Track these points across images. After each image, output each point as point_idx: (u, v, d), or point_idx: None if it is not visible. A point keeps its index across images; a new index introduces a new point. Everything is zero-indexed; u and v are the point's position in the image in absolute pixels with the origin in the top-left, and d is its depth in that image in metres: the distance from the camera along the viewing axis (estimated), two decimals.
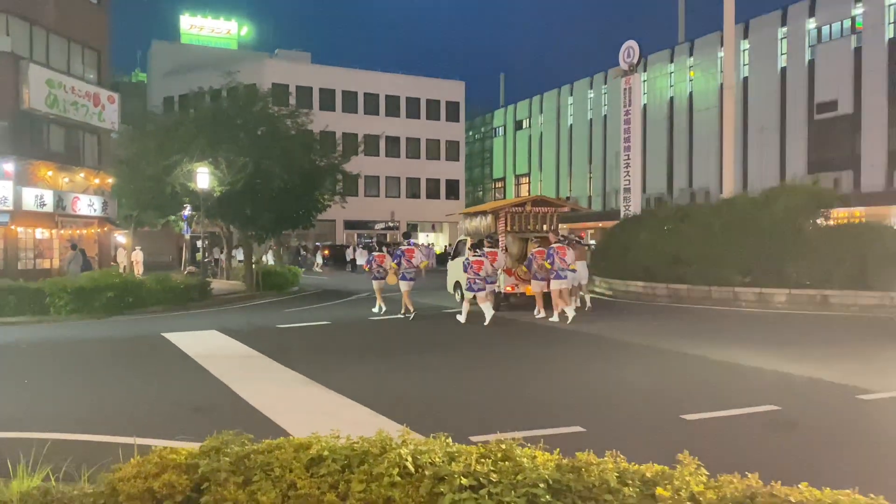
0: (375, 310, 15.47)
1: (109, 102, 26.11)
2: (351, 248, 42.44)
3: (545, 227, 15.56)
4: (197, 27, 62.08)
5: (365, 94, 55.67)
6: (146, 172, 20.15)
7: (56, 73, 23.87)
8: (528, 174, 68.37)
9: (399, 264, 14.67)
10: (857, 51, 40.42)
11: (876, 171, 38.15)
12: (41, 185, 23.41)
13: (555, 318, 13.24)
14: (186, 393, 7.50)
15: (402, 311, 14.69)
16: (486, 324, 12.69)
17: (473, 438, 5.39)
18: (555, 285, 13.19)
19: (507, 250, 15.11)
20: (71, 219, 25.41)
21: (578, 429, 5.59)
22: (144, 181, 20.60)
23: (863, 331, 11.42)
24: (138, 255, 31.48)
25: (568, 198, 62.22)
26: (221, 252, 31.95)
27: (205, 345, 10.99)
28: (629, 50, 22.82)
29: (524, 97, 68.73)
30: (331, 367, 9.04)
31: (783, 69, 44.28)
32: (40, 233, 24.52)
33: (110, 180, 25.01)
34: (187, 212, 24.54)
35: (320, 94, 51.78)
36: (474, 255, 13.34)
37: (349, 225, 52.85)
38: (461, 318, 13.39)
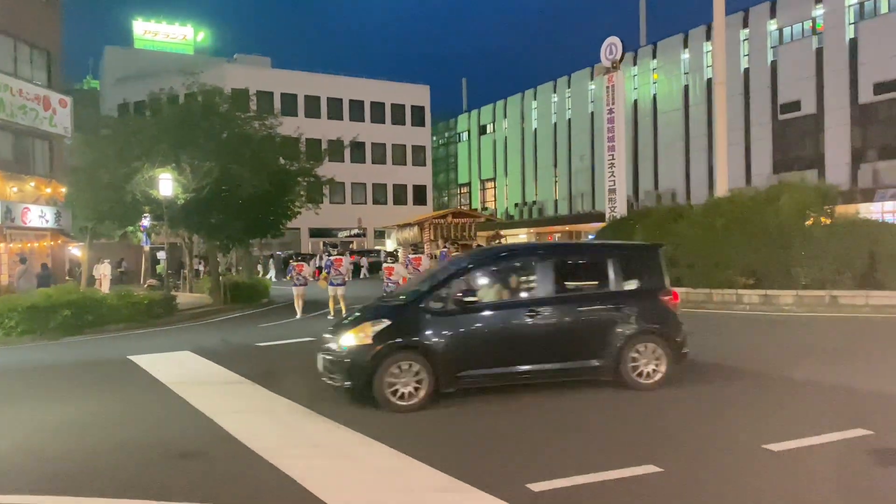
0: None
1: (61, 106, 24.46)
2: (317, 256, 41.25)
3: (466, 234, 17.52)
4: (151, 32, 60.10)
5: (328, 98, 54.44)
6: (104, 180, 18.74)
7: (1, 75, 22.20)
8: (494, 179, 67.89)
9: (329, 272, 16.57)
10: (819, 51, 40.85)
11: (840, 169, 38.46)
12: None
13: None
14: (166, 432, 6.35)
15: (331, 314, 16.26)
16: None
17: (533, 487, 4.46)
18: None
19: (432, 256, 16.03)
20: (20, 231, 23.68)
21: (653, 468, 4.71)
22: (102, 189, 19.18)
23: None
24: (105, 269, 29.70)
25: (534, 202, 61.93)
26: (200, 262, 30.58)
27: (179, 369, 9.83)
28: (612, 47, 22.20)
29: (487, 102, 68.37)
30: (328, 392, 8.00)
31: (746, 70, 44.55)
32: None
33: (64, 189, 23.40)
34: (146, 222, 23.11)
35: (282, 99, 50.32)
36: (386, 263, 16.06)
37: (314, 233, 51.46)
38: None
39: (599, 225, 54.79)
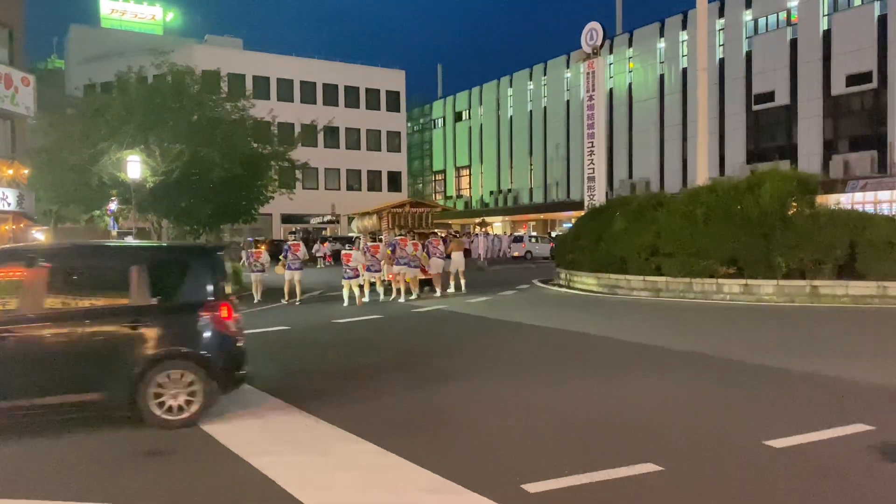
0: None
1: (24, 85, 23.54)
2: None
3: (423, 224, 17.96)
4: (119, 11, 58.54)
5: (301, 82, 53.54)
6: (69, 162, 18.05)
7: None
8: (469, 166, 67.58)
9: (286, 257, 17.06)
10: (793, 42, 41.12)
11: (812, 160, 38.82)
12: None
13: (438, 292, 17.07)
14: (133, 430, 5.94)
15: (297, 299, 16.75)
16: (345, 304, 15.61)
17: (529, 488, 4.21)
18: (433, 268, 16.93)
19: (388, 244, 17.10)
20: None
21: (653, 467, 4.49)
22: (66, 172, 18.48)
23: (880, 324, 10.86)
24: None
25: (510, 190, 61.80)
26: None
27: None
28: (592, 32, 21.91)
29: (463, 89, 67.92)
30: (311, 384, 7.68)
31: (721, 60, 44.69)
32: None
33: (26, 171, 22.57)
34: (114, 206, 22.39)
35: (254, 82, 49.29)
36: (344, 250, 16.66)
37: (286, 219, 50.69)
38: (345, 303, 15.78)
39: (575, 213, 55.31)
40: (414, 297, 16.46)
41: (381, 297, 16.77)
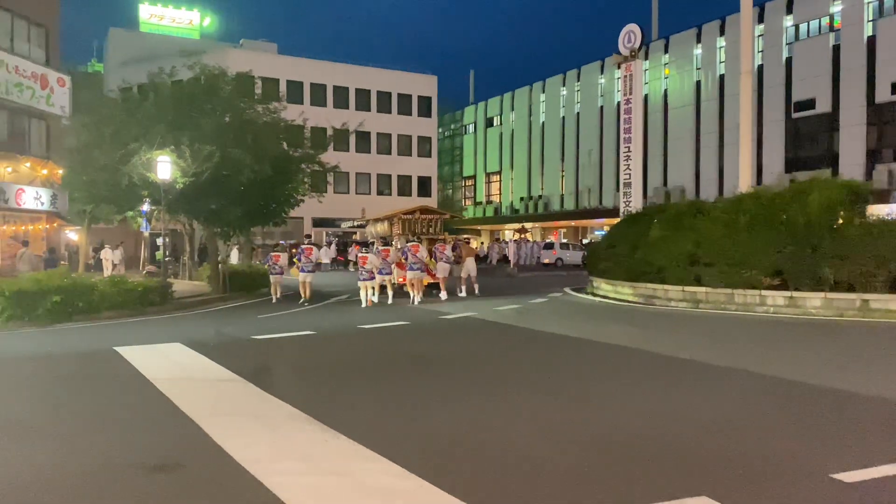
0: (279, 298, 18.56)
1: (59, 85, 23.74)
2: (325, 245, 40.81)
3: (432, 230, 20.09)
4: (157, 16, 59.30)
5: (334, 86, 53.59)
6: (100, 162, 17.99)
7: None
8: (500, 172, 67.12)
9: (300, 259, 18.22)
10: (836, 49, 39.97)
11: (854, 169, 37.59)
12: None
13: (443, 295, 17.59)
14: (144, 438, 5.67)
15: (304, 298, 17.89)
16: (363, 305, 16.46)
17: None
18: (439, 272, 17.67)
19: (399, 249, 18.15)
20: (15, 213, 23.03)
21: (707, 501, 4.00)
22: (98, 172, 18.44)
23: None
24: (107, 254, 29.26)
25: (540, 196, 61.17)
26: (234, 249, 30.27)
27: (167, 363, 9.15)
28: (630, 34, 21.33)
29: (495, 94, 67.49)
30: (328, 394, 7.32)
31: (760, 66, 43.61)
32: None
33: (60, 171, 22.71)
34: (146, 207, 22.41)
35: (288, 87, 49.50)
36: (360, 253, 17.70)
37: (317, 223, 50.74)
38: (363, 304, 16.63)
39: (607, 221, 54.53)
40: (420, 299, 16.97)
41: (390, 300, 17.32)
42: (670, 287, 15.06)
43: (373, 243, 20.58)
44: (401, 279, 18.10)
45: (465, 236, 53.08)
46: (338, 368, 8.91)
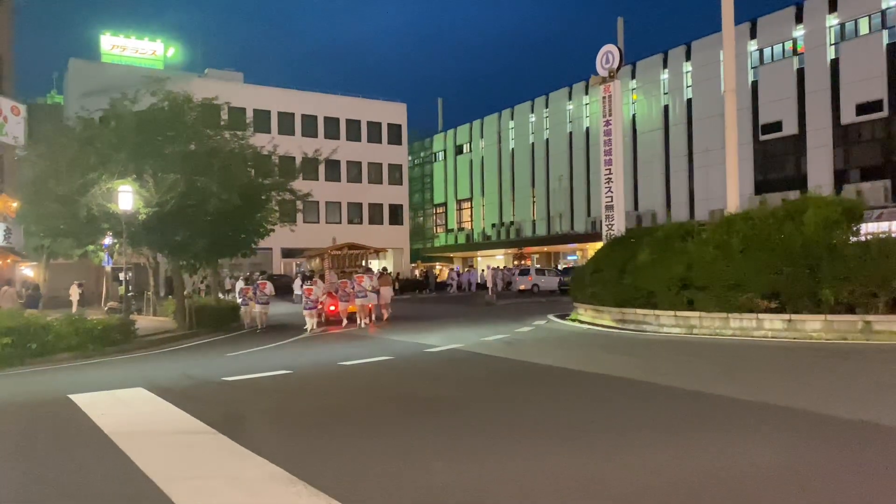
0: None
1: (13, 114, 22.65)
2: (298, 276, 39.86)
3: (361, 264, 23.19)
4: (119, 47, 58.16)
5: (303, 115, 52.93)
6: (56, 192, 16.93)
7: None
8: (471, 199, 66.82)
9: (255, 293, 20.57)
10: (800, 72, 40.61)
11: (822, 191, 37.72)
12: None
13: (361, 324, 19.45)
14: None
15: (259, 327, 20.15)
16: (307, 330, 18.74)
17: None
18: (358, 303, 19.69)
19: (330, 282, 21.07)
20: None
21: None
22: (54, 203, 17.36)
23: None
24: (74, 290, 28.10)
25: (512, 222, 60.89)
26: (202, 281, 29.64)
27: (127, 413, 8.19)
28: (608, 55, 21.03)
29: (464, 122, 67.47)
30: (313, 446, 6.45)
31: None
32: None
33: (14, 204, 21.52)
34: (108, 240, 21.28)
35: (255, 116, 48.62)
36: (305, 285, 19.96)
37: (286, 253, 49.62)
38: (307, 330, 18.79)
39: (577, 246, 54.32)
40: (344, 324, 19.81)
41: (313, 327, 19.10)
42: (661, 312, 14.48)
43: (312, 275, 22.66)
44: (331, 309, 20.76)
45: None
46: (321, 414, 7.99)
